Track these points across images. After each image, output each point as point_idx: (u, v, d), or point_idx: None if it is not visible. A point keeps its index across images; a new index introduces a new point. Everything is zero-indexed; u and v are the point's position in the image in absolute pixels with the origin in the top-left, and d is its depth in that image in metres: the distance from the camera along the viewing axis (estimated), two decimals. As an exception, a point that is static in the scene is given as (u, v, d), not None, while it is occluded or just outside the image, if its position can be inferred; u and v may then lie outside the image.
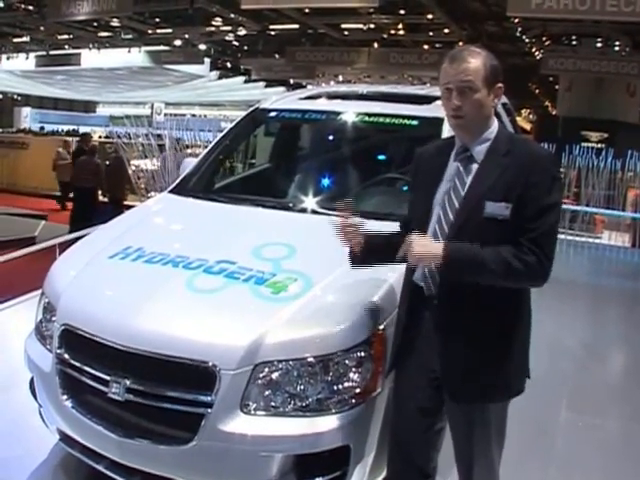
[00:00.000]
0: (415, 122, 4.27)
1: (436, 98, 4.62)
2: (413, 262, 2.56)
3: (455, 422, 2.76)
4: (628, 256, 12.69)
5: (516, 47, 26.91)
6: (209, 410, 2.73)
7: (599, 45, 22.16)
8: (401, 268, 3.10)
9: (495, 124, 2.69)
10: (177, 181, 4.53)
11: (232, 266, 3.19)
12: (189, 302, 3.00)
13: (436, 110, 4.27)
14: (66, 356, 3.11)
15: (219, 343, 2.79)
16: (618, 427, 4.79)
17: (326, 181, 4.34)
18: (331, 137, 4.64)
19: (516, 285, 2.61)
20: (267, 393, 2.78)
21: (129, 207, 10.28)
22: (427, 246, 2.51)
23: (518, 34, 24.45)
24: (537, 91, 32.70)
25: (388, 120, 4.32)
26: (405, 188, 4.12)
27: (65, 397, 3.10)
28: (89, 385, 3.00)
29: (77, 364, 3.06)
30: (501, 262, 2.47)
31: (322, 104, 4.77)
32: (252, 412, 2.77)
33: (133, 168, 14.94)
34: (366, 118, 4.40)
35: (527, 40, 25.24)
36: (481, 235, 2.53)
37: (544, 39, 24.19)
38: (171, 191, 4.41)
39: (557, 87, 25.26)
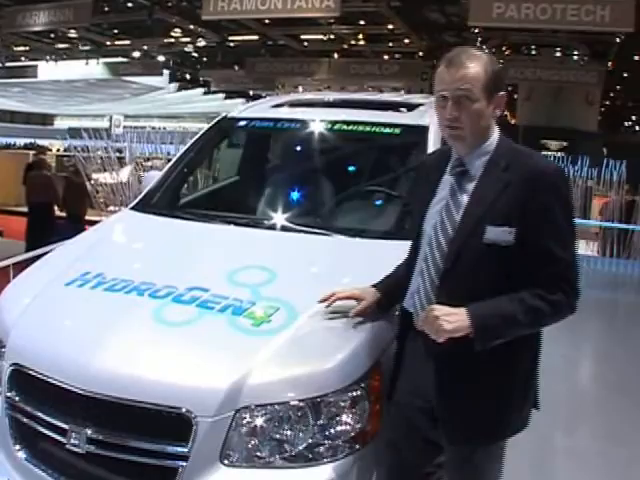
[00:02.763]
0: (397, 130, 3.95)
1: (418, 105, 4.37)
2: (440, 339, 2.23)
3: (447, 460, 2.48)
4: (598, 265, 12.59)
5: (476, 57, 26.98)
6: (184, 463, 2.36)
7: (558, 54, 22.37)
8: None
9: (495, 134, 2.38)
10: (139, 197, 4.15)
11: (205, 294, 2.82)
12: (157, 337, 2.62)
13: (419, 117, 4.03)
14: (18, 400, 2.70)
15: (194, 386, 2.42)
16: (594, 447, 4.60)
17: (304, 195, 3.98)
18: (307, 147, 4.27)
19: (543, 328, 2.34)
20: (251, 442, 2.41)
21: (91, 222, 9.84)
22: (455, 320, 2.19)
23: (478, 44, 24.58)
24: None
25: (369, 128, 4.00)
26: (379, 202, 3.84)
27: (18, 447, 2.70)
28: (45, 434, 2.60)
29: (30, 410, 2.65)
30: (528, 311, 2.20)
31: (296, 112, 4.43)
32: (234, 464, 2.40)
33: (92, 182, 14.45)
34: (344, 127, 4.06)
35: (487, 50, 25.33)
36: (480, 264, 2.25)
37: (504, 49, 24.35)
38: (133, 208, 4.01)
39: (515, 96, 25.40)
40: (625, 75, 28.60)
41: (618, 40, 20.61)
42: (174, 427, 2.39)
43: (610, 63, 23.75)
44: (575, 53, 22.37)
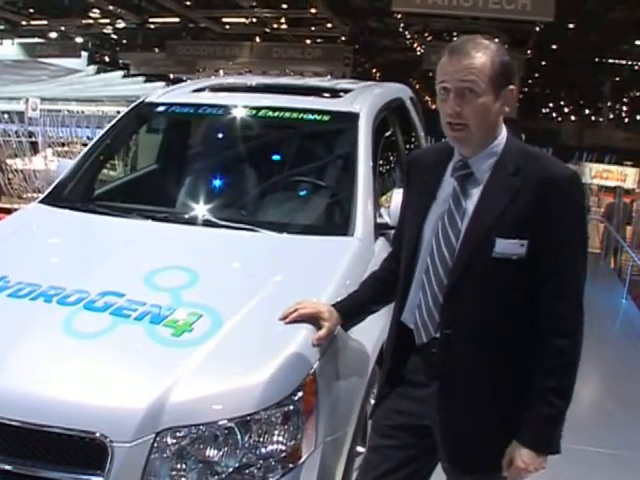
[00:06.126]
0: (327, 117, 3.74)
1: (347, 90, 4.18)
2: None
3: None
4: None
5: (397, 43, 27.32)
6: None
7: (479, 42, 22.70)
8: (332, 290, 2.71)
9: (503, 134, 2.13)
10: (49, 189, 3.82)
11: (120, 299, 2.55)
12: (67, 351, 2.34)
13: (349, 104, 3.85)
14: None
15: (108, 407, 2.16)
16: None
17: (229, 189, 3.74)
18: (232, 136, 3.98)
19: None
20: (175, 466, 2.17)
21: (5, 210, 9.34)
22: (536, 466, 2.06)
23: (400, 30, 24.73)
24: (417, 86, 33.12)
25: (296, 115, 3.77)
26: (309, 194, 3.65)
27: None
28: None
29: None
30: (554, 393, 2.01)
31: (219, 97, 4.16)
32: None
33: (7, 168, 13.77)
34: (270, 113, 3.82)
35: (409, 36, 25.56)
36: (488, 279, 2.03)
37: (426, 35, 24.53)
38: (42, 201, 3.68)
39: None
40: (543, 63, 29.23)
41: (537, 29, 20.99)
42: (88, 454, 2.14)
43: (529, 51, 24.17)
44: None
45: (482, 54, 2.01)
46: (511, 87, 2.07)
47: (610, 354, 6.47)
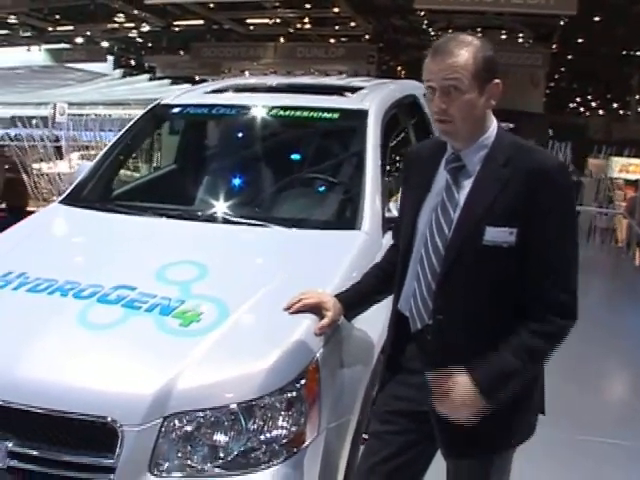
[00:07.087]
0: (336, 115, 3.82)
1: (359, 88, 4.25)
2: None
3: (448, 471, 2.37)
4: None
5: (421, 40, 27.25)
6: (111, 476, 2.21)
7: (503, 37, 22.49)
8: (337, 282, 2.76)
9: (493, 127, 2.20)
10: (69, 189, 3.95)
11: (132, 292, 2.66)
12: (81, 341, 2.45)
13: (359, 101, 3.93)
14: None
15: (118, 393, 2.27)
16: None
17: (240, 186, 3.85)
18: (243, 135, 4.12)
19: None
20: (182, 449, 2.28)
21: (32, 213, 9.49)
22: (466, 395, 2.06)
23: (424, 27, 24.68)
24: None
25: (307, 114, 3.86)
26: (319, 190, 3.74)
27: None
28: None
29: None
30: (529, 354, 2.06)
31: (232, 98, 4.27)
32: (165, 474, 2.26)
33: (35, 172, 14.00)
34: (282, 112, 3.93)
35: (433, 33, 25.52)
36: (480, 267, 2.09)
37: (450, 31, 24.42)
38: (62, 201, 3.81)
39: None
40: (569, 57, 28.97)
41: (562, 23, 20.87)
42: (100, 438, 2.24)
43: (554, 46, 24.02)
44: (520, 36, 22.57)
45: (464, 51, 2.06)
46: (496, 81, 2.12)
47: (631, 347, 6.48)
